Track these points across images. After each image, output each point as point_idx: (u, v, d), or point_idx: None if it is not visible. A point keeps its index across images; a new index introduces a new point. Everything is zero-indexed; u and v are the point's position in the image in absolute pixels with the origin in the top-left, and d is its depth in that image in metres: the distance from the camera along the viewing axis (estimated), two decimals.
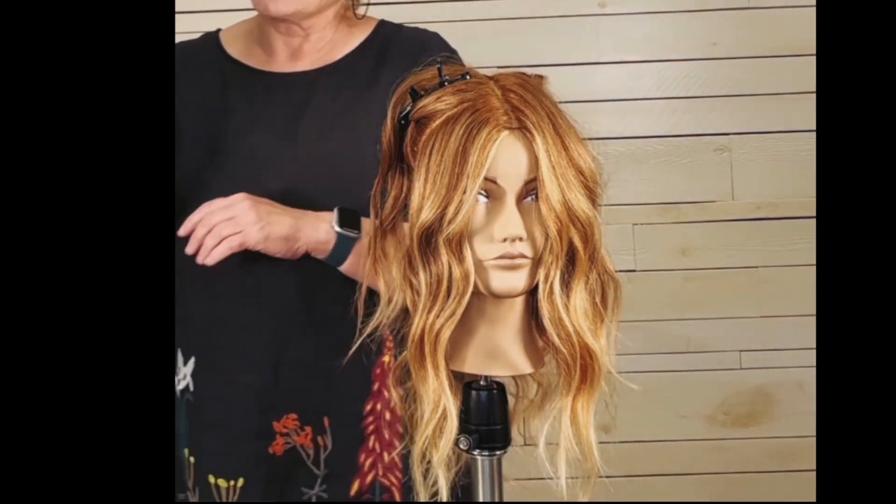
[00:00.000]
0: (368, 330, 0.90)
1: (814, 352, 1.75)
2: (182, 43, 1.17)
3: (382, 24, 1.10)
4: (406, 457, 0.99)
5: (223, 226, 0.99)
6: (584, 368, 0.84)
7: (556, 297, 0.84)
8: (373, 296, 0.91)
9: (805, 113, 1.81)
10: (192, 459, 1.07)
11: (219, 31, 1.20)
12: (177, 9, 1.82)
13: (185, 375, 1.07)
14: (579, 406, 0.85)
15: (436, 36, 1.11)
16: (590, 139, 0.85)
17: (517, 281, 0.84)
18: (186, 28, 1.87)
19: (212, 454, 1.08)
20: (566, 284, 0.84)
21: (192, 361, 1.07)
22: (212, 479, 1.05)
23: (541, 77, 0.85)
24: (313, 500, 1.08)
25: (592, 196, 0.86)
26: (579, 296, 0.84)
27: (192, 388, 1.07)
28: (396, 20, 1.20)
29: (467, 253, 0.83)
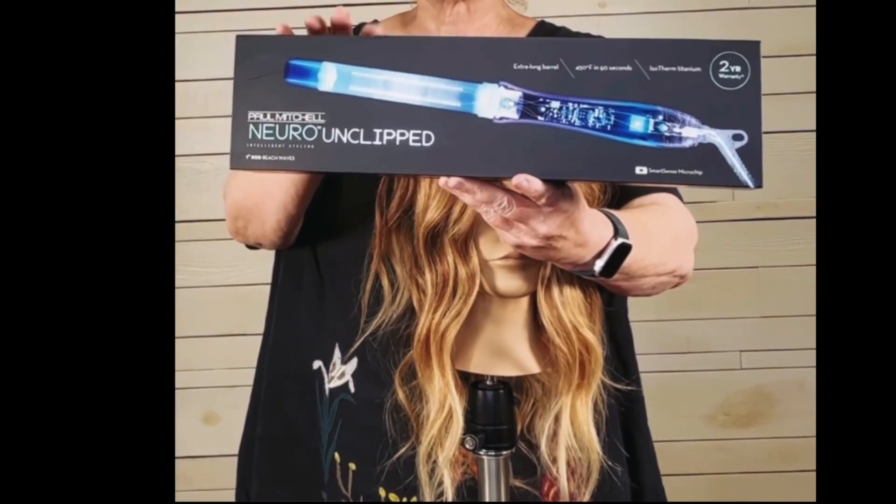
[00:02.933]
0: (371, 328, 0.90)
1: (814, 352, 1.76)
2: None
3: (542, 25, 1.06)
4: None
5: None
6: (582, 365, 0.84)
7: (554, 295, 0.84)
8: (377, 294, 0.90)
9: (805, 113, 1.81)
10: (352, 467, 0.95)
11: (375, 21, 1.11)
12: (177, 9, 1.84)
13: (342, 373, 0.96)
14: (579, 403, 0.85)
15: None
16: None
17: (522, 281, 0.84)
18: (187, 28, 1.88)
19: (377, 465, 0.93)
20: (562, 282, 0.85)
21: (353, 362, 0.95)
22: (382, 492, 0.92)
23: None
24: None
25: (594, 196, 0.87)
26: (574, 289, 0.85)
27: (352, 388, 0.95)
28: None
29: (473, 253, 0.83)
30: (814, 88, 1.75)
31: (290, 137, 0.68)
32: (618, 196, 0.91)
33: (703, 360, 1.91)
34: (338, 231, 0.96)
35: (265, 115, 0.69)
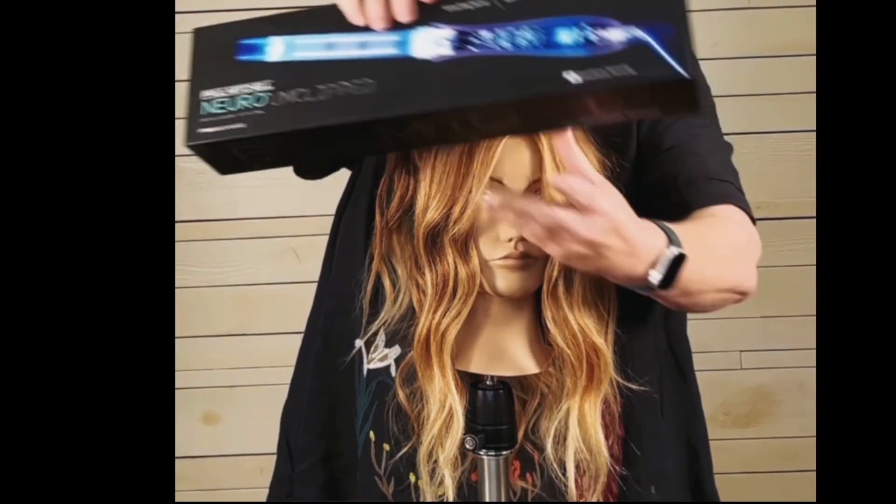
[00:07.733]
0: (373, 329, 0.90)
1: (814, 352, 1.76)
2: None
3: None
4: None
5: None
6: (590, 368, 0.84)
7: (561, 296, 0.84)
8: (378, 295, 0.90)
9: (805, 113, 1.80)
10: (386, 447, 0.95)
11: None
12: (177, 9, 1.84)
13: (384, 356, 0.96)
14: (587, 406, 0.85)
15: None
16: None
17: (523, 281, 0.84)
18: (187, 28, 1.88)
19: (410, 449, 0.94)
20: (570, 283, 0.84)
21: (396, 348, 0.96)
22: (412, 477, 0.93)
23: None
24: None
25: None
26: (583, 293, 0.84)
27: (393, 373, 0.96)
28: None
29: (473, 253, 0.83)
30: (814, 88, 1.75)
31: (241, 107, 0.70)
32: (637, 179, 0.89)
33: (703, 360, 1.90)
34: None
35: (217, 91, 0.70)
